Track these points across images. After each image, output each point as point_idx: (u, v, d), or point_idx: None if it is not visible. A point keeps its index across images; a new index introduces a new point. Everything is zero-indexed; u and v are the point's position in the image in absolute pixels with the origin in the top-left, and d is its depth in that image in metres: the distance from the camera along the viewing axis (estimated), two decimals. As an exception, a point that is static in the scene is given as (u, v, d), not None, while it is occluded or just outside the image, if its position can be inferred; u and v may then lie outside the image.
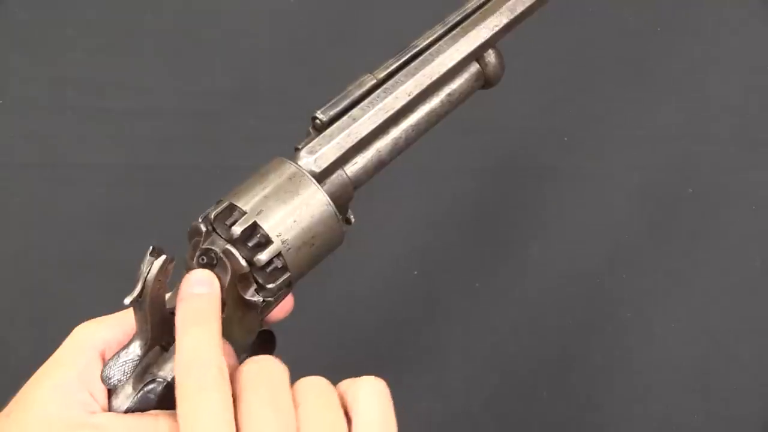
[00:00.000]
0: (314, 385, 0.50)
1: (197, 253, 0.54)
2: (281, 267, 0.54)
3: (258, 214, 0.53)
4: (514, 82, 1.07)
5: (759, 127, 1.10)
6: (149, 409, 0.52)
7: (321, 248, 0.55)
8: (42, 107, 1.07)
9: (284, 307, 0.58)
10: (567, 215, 1.05)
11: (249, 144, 1.04)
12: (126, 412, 0.52)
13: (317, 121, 0.58)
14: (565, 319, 1.00)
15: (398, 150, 0.60)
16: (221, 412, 0.47)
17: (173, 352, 0.52)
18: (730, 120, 1.10)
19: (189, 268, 0.54)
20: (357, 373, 0.51)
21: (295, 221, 0.54)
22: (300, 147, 0.57)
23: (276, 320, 0.59)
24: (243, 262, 0.53)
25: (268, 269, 0.54)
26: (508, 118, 1.07)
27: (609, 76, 1.12)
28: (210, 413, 0.47)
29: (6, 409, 0.52)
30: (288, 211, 0.54)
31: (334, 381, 0.51)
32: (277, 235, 0.53)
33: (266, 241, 0.53)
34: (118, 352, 0.52)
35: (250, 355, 0.57)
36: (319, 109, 0.58)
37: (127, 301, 0.51)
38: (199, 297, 0.52)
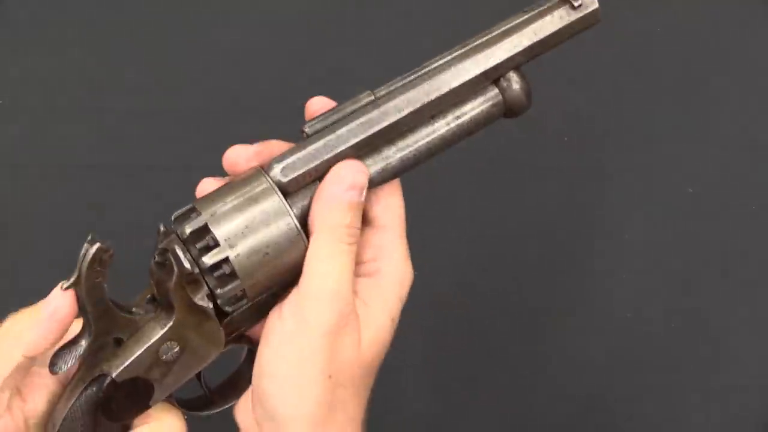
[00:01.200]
0: None
1: (155, 252, 0.53)
2: (230, 273, 0.53)
3: (211, 216, 0.53)
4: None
5: (759, 127, 1.10)
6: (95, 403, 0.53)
7: (277, 259, 0.53)
8: (42, 107, 1.07)
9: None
10: (566, 215, 1.05)
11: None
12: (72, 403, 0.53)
13: (304, 133, 0.57)
14: (564, 320, 1.00)
15: (391, 170, 0.57)
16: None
17: (127, 350, 0.53)
18: (730, 120, 1.10)
19: (151, 268, 0.54)
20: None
21: (247, 227, 0.53)
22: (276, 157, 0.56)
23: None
24: (186, 263, 0.52)
25: (216, 274, 0.53)
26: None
27: (609, 76, 1.12)
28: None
29: None
30: (243, 218, 0.53)
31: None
32: (225, 240, 0.52)
33: (214, 245, 0.52)
34: (66, 342, 0.53)
35: (237, 377, 0.58)
36: (309, 121, 0.57)
37: (64, 285, 0.52)
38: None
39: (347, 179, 0.54)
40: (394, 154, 0.57)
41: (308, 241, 0.54)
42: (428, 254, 1.01)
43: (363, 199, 0.55)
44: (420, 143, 0.57)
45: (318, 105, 0.58)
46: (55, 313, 0.51)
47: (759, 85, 1.12)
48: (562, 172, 1.07)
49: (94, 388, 0.53)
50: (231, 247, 0.52)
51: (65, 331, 0.52)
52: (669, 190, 1.07)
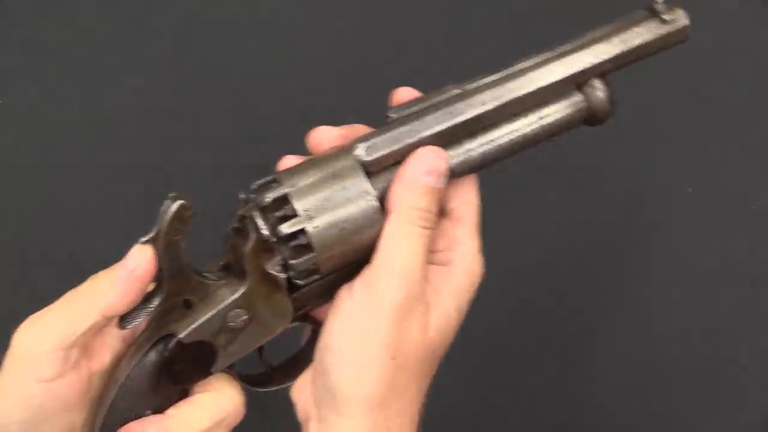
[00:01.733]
0: None
1: (235, 220, 0.54)
2: (306, 245, 0.53)
3: (292, 188, 0.53)
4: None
5: (759, 127, 1.10)
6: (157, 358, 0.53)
7: (353, 235, 0.54)
8: (42, 107, 1.07)
9: None
10: (566, 215, 1.05)
11: (249, 144, 1.04)
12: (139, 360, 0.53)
13: (389, 118, 0.57)
14: (564, 320, 1.00)
15: (471, 164, 0.58)
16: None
17: (197, 312, 0.53)
18: (729, 120, 1.10)
19: (227, 233, 0.55)
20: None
21: (327, 200, 0.53)
22: (361, 137, 0.57)
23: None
24: (264, 230, 0.53)
25: (291, 243, 0.53)
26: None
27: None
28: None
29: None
30: (324, 191, 0.53)
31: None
32: (305, 210, 0.53)
33: (293, 214, 0.53)
34: (142, 300, 0.53)
35: (299, 357, 0.59)
36: (395, 108, 0.58)
37: (142, 240, 0.52)
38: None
39: (428, 163, 0.55)
40: (476, 148, 0.58)
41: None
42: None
43: (442, 185, 0.56)
44: (502, 139, 0.58)
45: (405, 94, 0.59)
46: (134, 270, 0.51)
47: (759, 85, 1.12)
48: (562, 172, 1.07)
49: (160, 347, 0.53)
50: (309, 218, 0.53)
51: (144, 289, 0.52)
52: (669, 190, 1.07)
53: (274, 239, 0.53)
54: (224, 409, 0.55)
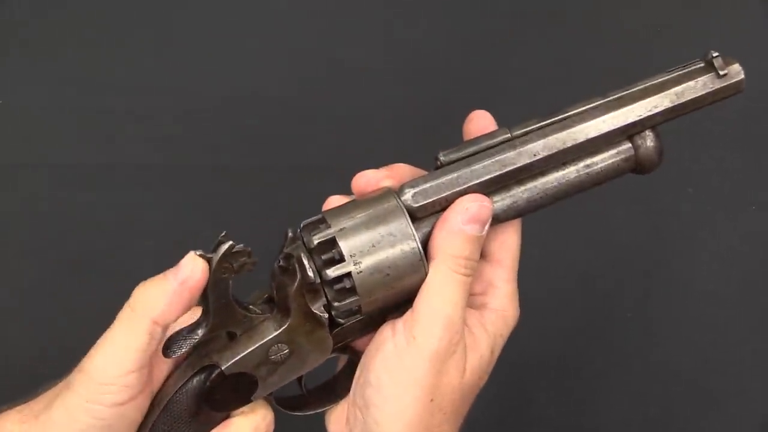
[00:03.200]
0: None
1: (280, 256, 0.55)
2: (350, 288, 0.54)
3: (340, 231, 0.54)
4: (515, 82, 1.07)
5: (759, 127, 1.10)
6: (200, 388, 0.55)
7: (396, 281, 0.55)
8: (42, 107, 1.07)
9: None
10: (567, 215, 1.05)
11: (249, 144, 1.04)
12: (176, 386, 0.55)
13: (438, 161, 0.57)
14: (564, 320, 1.00)
15: (516, 210, 0.58)
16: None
17: (239, 345, 0.55)
18: (729, 120, 1.10)
19: (273, 271, 0.56)
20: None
21: (373, 246, 0.54)
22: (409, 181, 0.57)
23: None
24: (310, 272, 0.54)
25: (336, 287, 0.54)
26: (508, 117, 1.07)
27: (608, 77, 1.12)
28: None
29: (68, 378, 0.55)
30: (370, 236, 0.54)
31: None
32: (351, 255, 0.54)
33: (339, 258, 0.54)
34: (183, 329, 0.54)
35: (335, 383, 0.60)
36: (444, 150, 0.58)
37: (197, 252, 0.53)
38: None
39: (471, 212, 0.56)
40: (522, 194, 0.58)
41: (428, 267, 0.55)
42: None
43: (485, 233, 0.56)
44: (548, 186, 0.58)
45: (481, 121, 0.59)
46: (186, 281, 0.52)
47: (759, 85, 1.12)
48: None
49: (203, 376, 0.55)
50: (355, 263, 0.54)
51: (194, 300, 0.53)
52: (669, 190, 1.07)
53: (319, 281, 0.54)
54: (260, 430, 0.57)
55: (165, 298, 0.52)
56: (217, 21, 1.14)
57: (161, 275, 0.53)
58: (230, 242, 0.52)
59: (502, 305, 0.59)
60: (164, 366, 0.57)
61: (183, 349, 0.54)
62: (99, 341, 0.54)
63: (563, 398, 0.98)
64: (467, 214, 0.56)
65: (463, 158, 0.57)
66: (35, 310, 0.98)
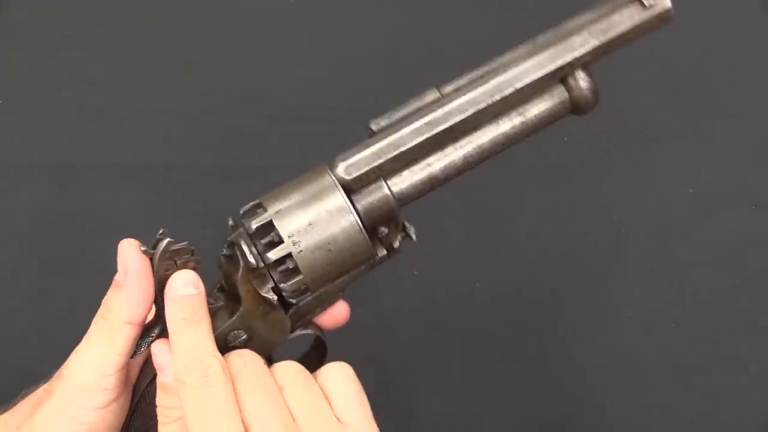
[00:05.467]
0: (291, 369, 0.53)
1: (224, 246, 0.55)
2: (293, 268, 0.54)
3: (276, 213, 0.54)
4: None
5: (758, 127, 1.10)
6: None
7: (339, 256, 0.55)
8: (42, 107, 1.07)
9: (337, 317, 0.59)
10: (566, 214, 1.05)
11: (249, 144, 1.04)
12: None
13: (369, 130, 0.57)
14: (564, 320, 1.00)
15: (455, 168, 0.57)
16: (226, 406, 0.49)
17: None
18: (729, 120, 1.10)
19: (219, 260, 0.56)
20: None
21: (310, 225, 0.54)
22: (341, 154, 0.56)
23: (328, 328, 0.60)
24: (251, 258, 0.54)
25: (280, 269, 0.54)
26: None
27: (608, 77, 1.12)
28: (216, 409, 0.49)
29: (47, 386, 0.55)
30: (307, 215, 0.54)
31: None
32: (289, 236, 0.54)
33: (278, 240, 0.54)
34: (143, 331, 0.54)
35: (304, 361, 0.58)
36: (374, 118, 0.57)
37: (128, 240, 0.54)
38: (188, 298, 0.53)
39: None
40: (458, 152, 0.57)
41: (369, 237, 0.55)
42: (427, 254, 1.01)
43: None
44: (484, 141, 0.57)
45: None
46: (127, 272, 0.53)
47: (759, 85, 1.12)
48: (562, 172, 1.07)
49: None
50: (294, 243, 0.54)
51: (146, 286, 0.53)
52: (669, 190, 1.07)
53: (262, 265, 0.54)
54: None
55: (122, 297, 0.53)
56: (218, 20, 1.14)
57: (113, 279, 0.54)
58: (168, 239, 0.52)
59: None
60: (137, 366, 0.57)
61: (142, 348, 0.54)
62: (76, 349, 0.54)
63: (563, 394, 0.98)
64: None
65: (394, 124, 0.56)
66: (35, 310, 0.98)
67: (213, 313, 0.55)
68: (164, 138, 1.06)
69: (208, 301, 0.56)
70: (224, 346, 0.55)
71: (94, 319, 0.54)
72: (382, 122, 0.56)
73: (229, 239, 0.55)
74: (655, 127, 1.10)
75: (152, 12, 1.13)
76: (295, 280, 0.54)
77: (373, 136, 0.56)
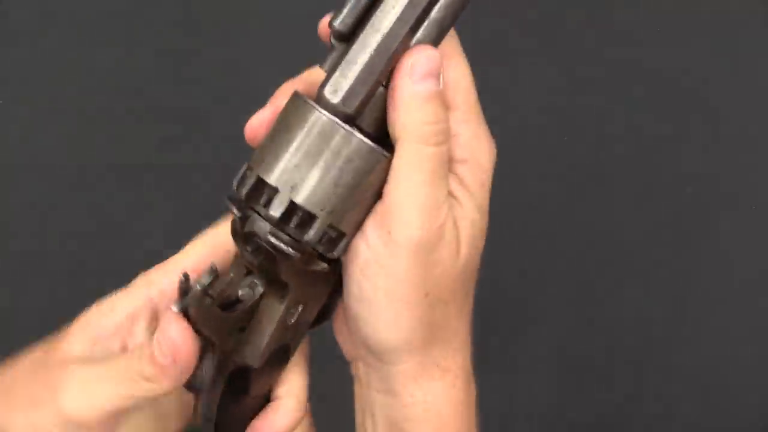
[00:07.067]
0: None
1: (240, 241, 0.48)
2: (336, 236, 0.47)
3: (292, 190, 0.46)
4: (515, 82, 1.07)
5: (758, 128, 1.10)
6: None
7: (371, 192, 0.47)
8: (42, 107, 1.07)
9: None
10: (567, 215, 1.05)
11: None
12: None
13: (335, 31, 0.48)
14: (564, 320, 1.00)
15: (446, 22, 0.48)
16: None
17: (254, 335, 0.49)
18: (729, 120, 1.10)
19: (239, 256, 0.49)
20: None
21: (336, 185, 0.46)
22: (323, 82, 0.47)
23: None
24: (291, 251, 0.46)
25: (322, 241, 0.47)
26: (508, 117, 1.07)
27: (609, 77, 1.12)
28: None
29: (42, 344, 0.52)
30: (326, 176, 0.46)
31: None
32: (321, 209, 0.46)
33: (309, 218, 0.46)
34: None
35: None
36: (332, 16, 0.48)
37: (174, 308, 0.47)
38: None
39: (418, 68, 0.46)
40: (443, 11, 0.48)
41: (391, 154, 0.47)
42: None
43: (441, 85, 0.47)
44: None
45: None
46: (175, 360, 0.46)
47: (759, 85, 1.12)
48: (562, 172, 1.07)
49: (238, 384, 0.50)
50: (329, 213, 0.46)
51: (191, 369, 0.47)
52: (669, 190, 1.07)
53: (305, 251, 0.47)
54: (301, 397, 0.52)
55: (157, 380, 0.47)
56: (218, 20, 1.14)
57: (150, 345, 0.47)
58: (197, 286, 0.45)
59: (470, 152, 0.49)
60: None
61: (207, 377, 0.50)
62: (79, 378, 0.49)
63: (563, 395, 0.98)
64: (416, 73, 0.46)
65: (367, 22, 0.47)
66: (35, 310, 0.98)
67: (259, 305, 0.49)
68: (164, 138, 1.06)
69: (243, 298, 0.49)
70: (285, 329, 0.50)
71: (113, 363, 0.49)
72: (348, 19, 0.48)
73: (245, 230, 0.47)
74: (655, 127, 1.10)
75: (152, 12, 1.13)
76: (341, 244, 0.47)
77: (340, 38, 0.48)
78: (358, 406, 0.52)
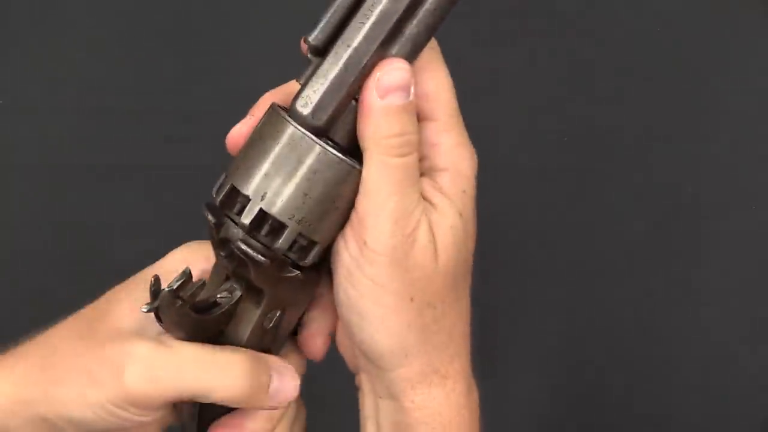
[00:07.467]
0: None
1: (215, 246, 0.50)
2: (307, 244, 0.49)
3: (263, 199, 0.48)
4: (514, 82, 1.07)
5: (759, 128, 1.10)
6: None
7: (343, 203, 0.49)
8: (42, 107, 1.07)
9: None
10: (567, 215, 1.05)
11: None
12: None
13: (310, 46, 0.49)
14: (564, 320, 1.00)
15: (420, 39, 0.49)
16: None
17: (230, 338, 0.51)
18: (730, 120, 1.10)
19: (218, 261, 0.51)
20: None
21: (305, 195, 0.48)
22: (296, 95, 0.48)
23: None
24: (260, 258, 0.48)
25: (294, 249, 0.49)
26: (508, 117, 1.07)
27: (609, 76, 1.12)
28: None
29: (83, 313, 0.53)
30: (296, 186, 0.48)
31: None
32: (290, 218, 0.48)
33: (280, 226, 0.48)
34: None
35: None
36: (309, 33, 0.50)
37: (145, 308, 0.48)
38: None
39: (384, 82, 0.47)
40: (415, 29, 0.49)
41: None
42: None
43: (411, 98, 0.48)
44: (427, 17, 0.49)
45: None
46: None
47: (759, 85, 1.12)
48: (562, 172, 1.07)
49: None
50: (299, 222, 0.48)
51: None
52: (669, 190, 1.07)
53: (276, 258, 0.49)
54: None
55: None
56: (219, 20, 1.14)
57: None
58: (165, 290, 0.47)
59: (451, 161, 0.50)
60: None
61: None
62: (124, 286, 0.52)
63: (562, 394, 0.98)
64: (381, 86, 0.47)
65: (337, 31, 0.49)
66: (34, 310, 0.98)
67: (235, 309, 0.51)
68: (164, 138, 1.06)
69: (220, 301, 0.51)
70: (262, 333, 0.51)
71: None
72: (321, 35, 0.49)
73: (219, 236, 0.50)
74: (656, 127, 1.10)
75: (153, 12, 1.13)
76: (314, 251, 0.49)
77: (323, 60, 0.49)
78: (362, 417, 0.53)
